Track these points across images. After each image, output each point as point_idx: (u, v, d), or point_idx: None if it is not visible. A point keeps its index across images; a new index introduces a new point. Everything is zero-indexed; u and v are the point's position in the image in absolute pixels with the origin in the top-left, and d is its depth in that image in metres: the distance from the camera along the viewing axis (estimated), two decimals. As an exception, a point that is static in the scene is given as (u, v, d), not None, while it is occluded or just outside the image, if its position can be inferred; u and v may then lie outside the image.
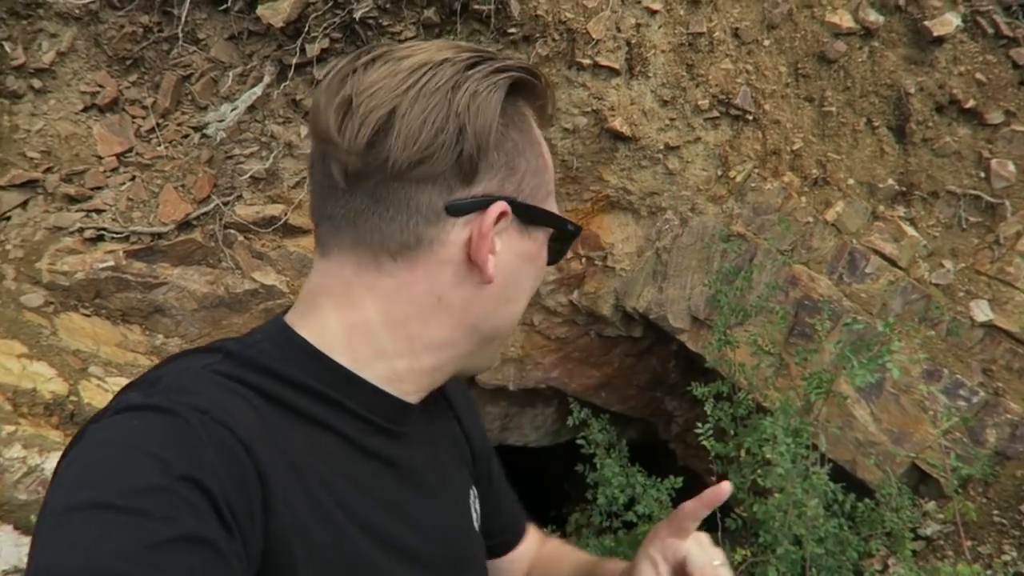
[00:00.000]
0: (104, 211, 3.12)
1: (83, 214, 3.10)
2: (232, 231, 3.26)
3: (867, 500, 3.40)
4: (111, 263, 3.13)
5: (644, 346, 4.67)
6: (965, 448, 3.50)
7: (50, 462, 2.49)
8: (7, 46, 2.77)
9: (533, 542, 1.22)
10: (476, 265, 0.78)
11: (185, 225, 3.21)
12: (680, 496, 3.95)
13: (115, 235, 3.11)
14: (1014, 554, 2.99)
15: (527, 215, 0.81)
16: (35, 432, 2.56)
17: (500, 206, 0.77)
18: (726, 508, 3.67)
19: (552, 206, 0.85)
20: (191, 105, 3.14)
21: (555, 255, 0.88)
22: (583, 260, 3.95)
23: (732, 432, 3.67)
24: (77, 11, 2.78)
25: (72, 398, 2.77)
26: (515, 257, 0.81)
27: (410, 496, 0.85)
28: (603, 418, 4.09)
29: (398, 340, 0.80)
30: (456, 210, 0.76)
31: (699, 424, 3.28)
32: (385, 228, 0.77)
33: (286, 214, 3.42)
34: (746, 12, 3.21)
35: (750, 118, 3.35)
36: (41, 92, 2.95)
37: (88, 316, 3.19)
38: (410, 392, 0.84)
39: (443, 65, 0.75)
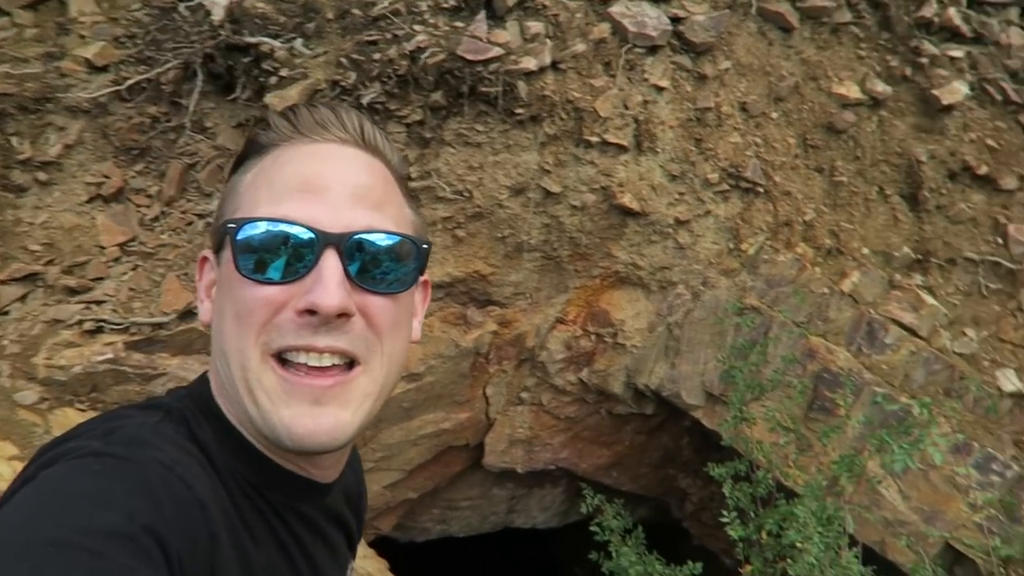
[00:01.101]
0: (104, 302, 3.03)
1: (83, 306, 3.01)
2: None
3: (904, 585, 3.23)
4: (110, 355, 3.01)
5: (656, 423, 4.53)
6: (1002, 526, 3.35)
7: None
8: (14, 141, 2.72)
9: None
10: None
11: (187, 314, 3.12)
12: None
13: (115, 326, 3.00)
14: (1067, 642, 2.81)
15: (216, 246, 0.88)
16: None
17: (200, 257, 0.91)
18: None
19: (250, 212, 0.83)
20: (196, 193, 3.09)
21: (237, 259, 0.80)
22: (593, 337, 3.85)
23: (752, 513, 3.51)
24: (86, 104, 2.75)
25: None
26: (220, 291, 0.86)
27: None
28: (617, 503, 3.91)
29: (216, 382, 0.88)
30: None
31: (724, 512, 3.13)
32: None
33: (289, 298, 3.32)
34: (753, 86, 3.21)
35: (760, 190, 3.31)
36: (46, 184, 2.89)
37: (83, 411, 3.06)
38: (259, 440, 0.84)
39: None
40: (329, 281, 0.77)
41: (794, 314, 3.61)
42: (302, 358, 0.78)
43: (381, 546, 4.78)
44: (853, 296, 3.54)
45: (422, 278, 0.93)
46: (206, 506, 0.72)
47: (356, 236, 0.80)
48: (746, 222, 3.41)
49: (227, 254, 0.82)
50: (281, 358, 0.79)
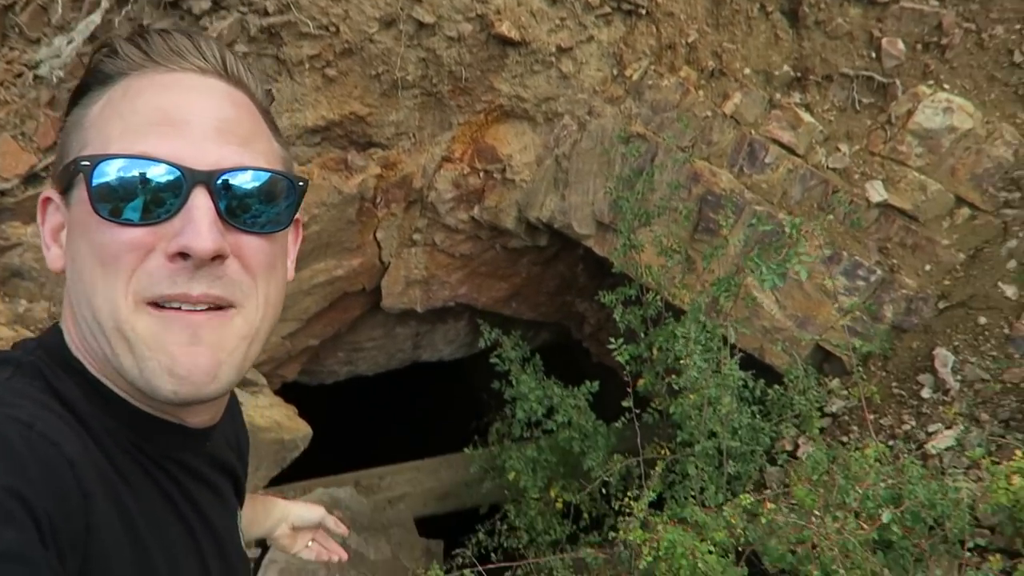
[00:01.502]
0: (-68, 171, 2.73)
1: (-92, 176, 2.71)
2: (90, 180, 2.91)
3: (776, 387, 3.50)
4: (-48, 229, 2.76)
5: (551, 253, 4.60)
6: (865, 325, 3.63)
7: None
8: None
9: None
10: None
11: (32, 178, 2.86)
12: (596, 399, 3.99)
13: (-50, 197, 2.73)
14: (913, 423, 3.16)
15: (64, 186, 0.79)
16: None
17: (42, 198, 0.82)
18: (644, 403, 3.72)
19: (103, 148, 0.75)
20: (20, 39, 2.73)
21: (95, 200, 0.73)
22: (481, 174, 3.78)
23: (643, 333, 3.69)
24: None
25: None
26: (73, 235, 0.78)
27: (193, 522, 0.87)
28: (515, 334, 4.03)
29: (76, 334, 0.81)
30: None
31: (612, 340, 3.26)
32: None
33: (151, 153, 3.09)
34: None
35: (643, 12, 3.19)
36: None
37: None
38: (130, 392, 0.80)
39: None
40: (201, 221, 0.72)
41: (679, 139, 3.61)
42: (176, 305, 0.75)
43: (290, 392, 4.84)
44: (735, 118, 3.55)
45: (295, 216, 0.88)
46: (75, 463, 0.68)
47: (226, 173, 0.75)
48: (629, 47, 3.30)
49: (80, 194, 0.74)
50: (154, 303, 0.75)
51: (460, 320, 5.42)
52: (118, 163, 0.72)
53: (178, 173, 0.72)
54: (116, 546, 0.71)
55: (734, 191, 3.64)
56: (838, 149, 3.58)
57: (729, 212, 3.52)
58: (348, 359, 5.32)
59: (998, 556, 2.22)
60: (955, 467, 2.71)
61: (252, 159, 0.78)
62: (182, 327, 0.74)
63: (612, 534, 2.94)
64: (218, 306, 0.77)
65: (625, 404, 3.30)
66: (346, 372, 5.48)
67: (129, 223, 0.72)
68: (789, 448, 3.45)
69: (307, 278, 3.87)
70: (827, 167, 3.60)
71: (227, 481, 0.97)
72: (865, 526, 1.93)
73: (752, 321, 3.82)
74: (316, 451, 4.28)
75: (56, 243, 0.82)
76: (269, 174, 0.79)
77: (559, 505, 3.98)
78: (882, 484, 2.21)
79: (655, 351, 3.71)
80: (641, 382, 3.74)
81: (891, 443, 3.08)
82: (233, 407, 1.06)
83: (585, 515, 3.90)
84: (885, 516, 2.04)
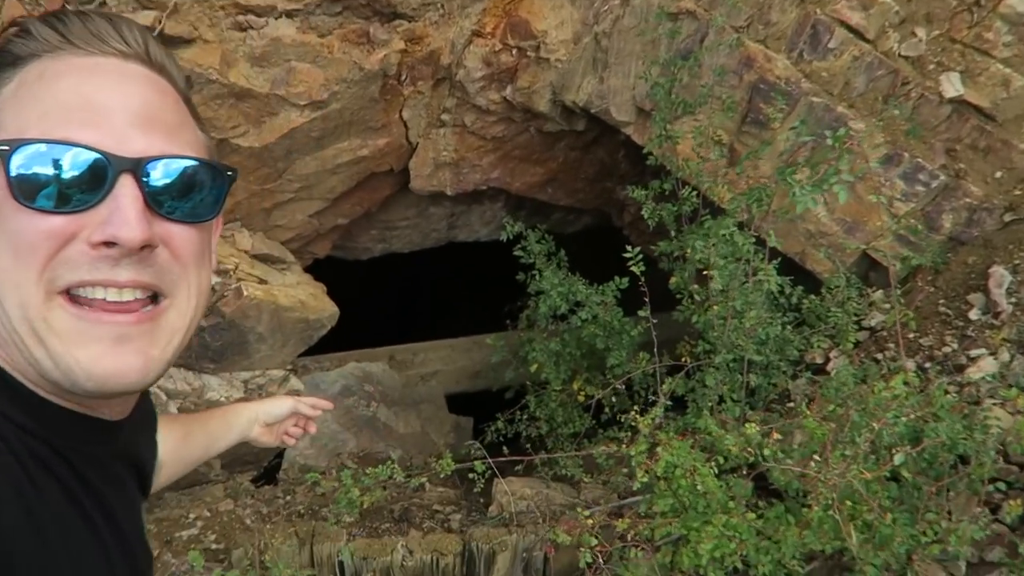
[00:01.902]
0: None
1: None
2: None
3: (813, 297, 3.29)
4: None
5: (590, 138, 4.34)
6: (919, 235, 3.34)
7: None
8: None
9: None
10: None
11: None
12: (624, 295, 3.83)
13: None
14: (955, 346, 2.93)
15: None
16: None
17: None
18: (676, 300, 3.57)
19: (20, 133, 0.70)
20: None
21: (14, 186, 0.69)
22: (514, 51, 3.50)
23: (674, 232, 3.47)
24: None
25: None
26: None
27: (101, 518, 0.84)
28: (540, 229, 3.85)
29: None
30: None
31: (629, 247, 3.06)
32: None
33: (160, 22, 2.94)
34: None
35: None
36: None
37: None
38: (40, 384, 0.76)
39: None
40: (128, 210, 0.70)
41: (733, 18, 3.26)
42: (99, 293, 0.72)
43: (322, 268, 4.82)
44: (798, -6, 3.16)
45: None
46: None
47: (153, 161, 0.73)
48: (679, -91, 2.91)
49: None
50: (70, 294, 0.72)
51: (496, 202, 5.26)
52: (38, 148, 0.69)
53: (103, 160, 0.69)
54: (22, 546, 0.69)
55: (790, 79, 3.30)
56: (914, 34, 3.17)
57: (781, 104, 3.20)
58: (382, 237, 5.25)
59: (1018, 501, 2.07)
60: (991, 398, 2.51)
61: (179, 148, 0.76)
62: (107, 329, 0.71)
63: (615, 447, 2.88)
64: (149, 298, 0.75)
65: (642, 313, 3.16)
66: (381, 249, 5.43)
67: (49, 211, 0.69)
68: (820, 361, 3.28)
69: (331, 157, 3.73)
70: (899, 55, 3.21)
71: (132, 474, 0.97)
72: (867, 473, 1.79)
73: (796, 224, 3.56)
74: (353, 324, 4.30)
75: None
76: (196, 163, 0.77)
77: (581, 398, 3.94)
78: (903, 419, 2.05)
79: (688, 250, 3.51)
80: (673, 280, 3.56)
81: (927, 365, 2.88)
82: None
83: (607, 409, 3.85)
84: (897, 458, 1.89)
